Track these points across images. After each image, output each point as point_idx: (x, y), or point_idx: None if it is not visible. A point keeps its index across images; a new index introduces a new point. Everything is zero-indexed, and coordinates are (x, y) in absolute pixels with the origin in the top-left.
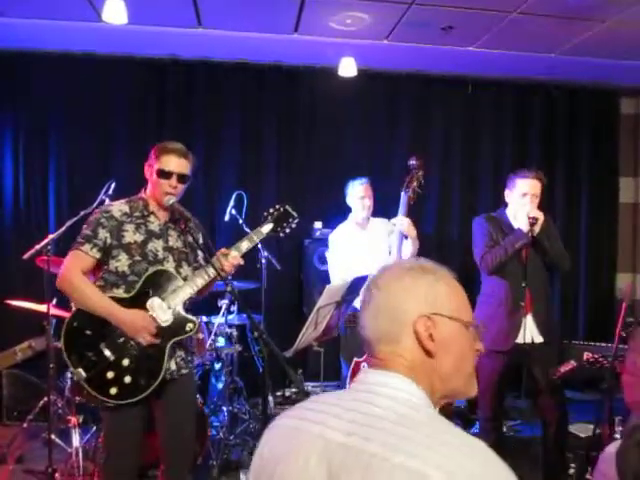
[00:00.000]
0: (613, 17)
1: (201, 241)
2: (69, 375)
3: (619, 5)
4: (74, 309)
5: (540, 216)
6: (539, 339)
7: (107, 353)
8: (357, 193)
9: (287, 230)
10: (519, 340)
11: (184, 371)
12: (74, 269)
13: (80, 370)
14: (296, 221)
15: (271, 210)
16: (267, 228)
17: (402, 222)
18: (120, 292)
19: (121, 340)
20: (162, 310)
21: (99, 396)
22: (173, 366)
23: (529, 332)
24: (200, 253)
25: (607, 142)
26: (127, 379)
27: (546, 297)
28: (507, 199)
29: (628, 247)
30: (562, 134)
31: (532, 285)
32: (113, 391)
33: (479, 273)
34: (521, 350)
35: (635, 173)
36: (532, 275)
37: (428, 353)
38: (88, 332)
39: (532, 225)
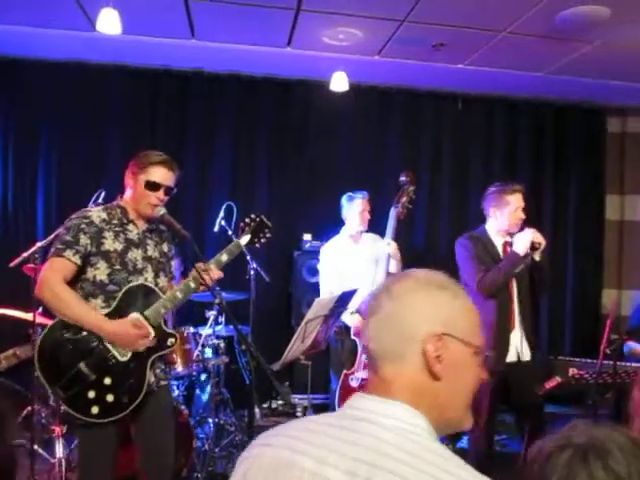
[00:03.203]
0: (600, 39)
1: (166, 247)
2: None
3: (606, 27)
4: (49, 324)
5: (543, 242)
6: (526, 357)
7: (87, 372)
8: (357, 207)
9: (262, 241)
10: (509, 359)
11: (163, 382)
12: (55, 276)
13: (57, 389)
14: (270, 231)
15: (247, 220)
16: (245, 240)
17: (391, 246)
18: (99, 302)
19: (102, 357)
20: None
21: (80, 416)
22: (152, 378)
23: (516, 350)
24: (174, 264)
25: (594, 160)
26: (109, 397)
27: (533, 314)
28: (492, 215)
29: (614, 263)
30: (550, 151)
31: (521, 303)
32: (95, 410)
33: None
34: (510, 367)
35: (621, 191)
36: (521, 297)
37: (434, 376)
38: (65, 350)
39: (534, 250)
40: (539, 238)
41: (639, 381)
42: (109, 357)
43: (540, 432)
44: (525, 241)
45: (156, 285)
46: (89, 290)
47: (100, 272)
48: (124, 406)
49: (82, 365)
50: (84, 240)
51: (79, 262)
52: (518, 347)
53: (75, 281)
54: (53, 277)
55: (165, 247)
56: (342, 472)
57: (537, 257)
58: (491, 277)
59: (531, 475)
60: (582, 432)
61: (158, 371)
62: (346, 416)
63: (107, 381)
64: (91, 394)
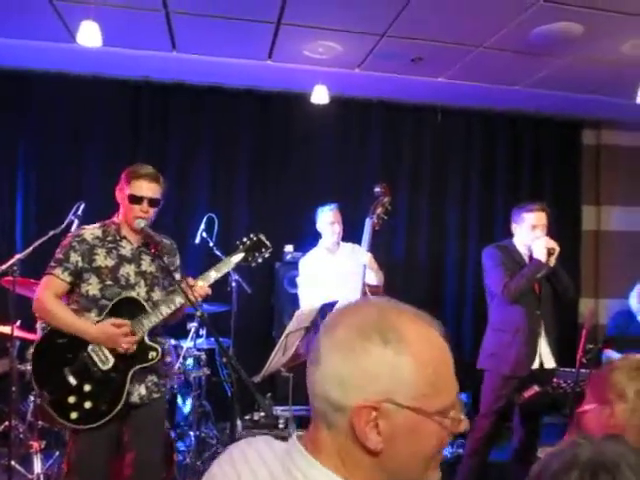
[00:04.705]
0: (574, 54)
1: (166, 260)
2: (32, 399)
3: (579, 43)
4: (44, 332)
5: (557, 247)
6: (550, 364)
7: (70, 378)
8: (327, 219)
9: (259, 260)
10: (533, 366)
11: (155, 395)
12: (46, 293)
13: (44, 392)
14: (269, 251)
15: (244, 239)
16: (237, 258)
17: (364, 257)
18: (93, 316)
19: (84, 365)
20: None
21: (59, 419)
22: (143, 391)
23: (539, 358)
24: (177, 276)
25: (570, 171)
26: (87, 404)
27: (556, 324)
28: (514, 231)
29: (590, 273)
30: (527, 163)
31: (544, 312)
32: (73, 415)
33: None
34: (531, 375)
35: (597, 202)
36: (544, 303)
37: (369, 451)
38: (54, 356)
39: (550, 255)
40: (552, 244)
41: (616, 367)
42: (91, 365)
43: (535, 438)
44: (542, 247)
45: (149, 299)
46: (84, 304)
47: (92, 287)
48: (102, 414)
49: (66, 370)
50: (74, 258)
51: (68, 279)
52: (542, 353)
53: (71, 295)
54: (44, 294)
55: (166, 260)
56: None
57: (552, 263)
58: (515, 283)
59: None
60: (586, 449)
61: (150, 384)
62: (285, 461)
63: (87, 388)
64: (71, 399)
